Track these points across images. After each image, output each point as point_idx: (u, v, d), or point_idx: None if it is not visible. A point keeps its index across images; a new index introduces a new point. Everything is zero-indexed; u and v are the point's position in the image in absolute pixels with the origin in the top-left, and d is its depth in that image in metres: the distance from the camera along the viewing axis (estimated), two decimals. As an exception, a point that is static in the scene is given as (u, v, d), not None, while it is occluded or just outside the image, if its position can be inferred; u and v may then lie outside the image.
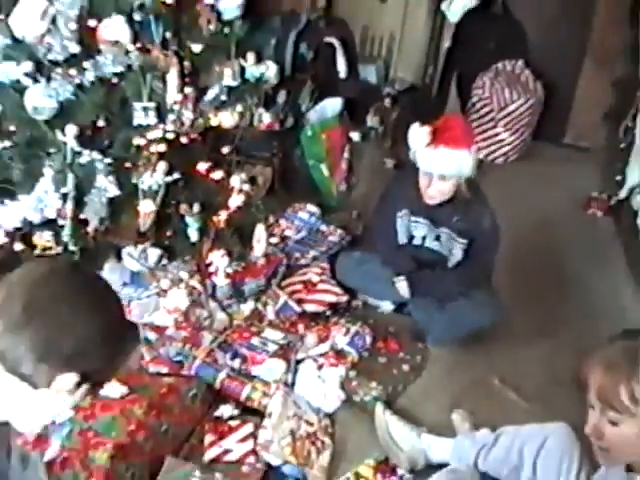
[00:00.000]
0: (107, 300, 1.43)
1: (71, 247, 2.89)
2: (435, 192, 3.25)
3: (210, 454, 2.71)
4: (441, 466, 2.71)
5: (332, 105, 4.43)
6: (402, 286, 3.46)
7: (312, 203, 4.23)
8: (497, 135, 5.60)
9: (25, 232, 2.90)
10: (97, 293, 1.42)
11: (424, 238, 3.47)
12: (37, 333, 1.31)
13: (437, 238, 3.44)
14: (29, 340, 1.31)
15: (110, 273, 3.21)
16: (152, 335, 3.14)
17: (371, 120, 5.08)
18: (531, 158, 5.63)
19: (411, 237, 3.50)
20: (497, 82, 5.60)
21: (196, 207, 3.22)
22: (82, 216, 2.85)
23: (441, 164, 3.14)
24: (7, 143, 2.68)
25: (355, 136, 4.57)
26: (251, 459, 2.70)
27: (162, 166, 3.00)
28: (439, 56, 5.82)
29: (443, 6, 5.48)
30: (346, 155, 4.53)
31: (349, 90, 4.60)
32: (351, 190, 4.57)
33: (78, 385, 1.38)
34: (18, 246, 2.90)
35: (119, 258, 3.28)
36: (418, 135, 3.14)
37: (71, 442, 2.49)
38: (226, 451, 2.72)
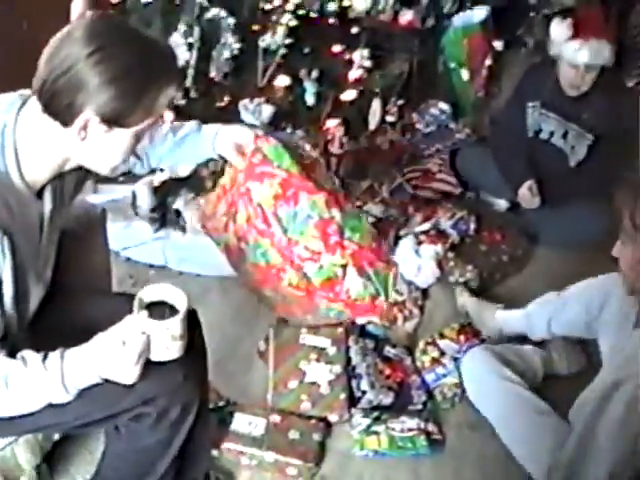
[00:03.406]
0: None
1: (192, 94, 2.93)
2: (581, 82, 3.15)
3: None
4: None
5: (479, 13, 4.21)
6: (534, 201, 3.27)
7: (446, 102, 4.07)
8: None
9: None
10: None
11: (552, 134, 3.33)
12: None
13: (564, 135, 3.30)
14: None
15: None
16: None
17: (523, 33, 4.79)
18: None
19: (538, 131, 3.37)
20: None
21: (315, 73, 3.19)
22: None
23: (586, 54, 3.07)
24: (150, -1, 2.72)
25: (498, 45, 4.32)
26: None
27: (282, 30, 2.96)
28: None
29: None
30: (488, 62, 4.32)
31: (500, -1, 4.35)
32: (490, 98, 4.36)
33: None
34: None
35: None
36: (560, 29, 3.14)
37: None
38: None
